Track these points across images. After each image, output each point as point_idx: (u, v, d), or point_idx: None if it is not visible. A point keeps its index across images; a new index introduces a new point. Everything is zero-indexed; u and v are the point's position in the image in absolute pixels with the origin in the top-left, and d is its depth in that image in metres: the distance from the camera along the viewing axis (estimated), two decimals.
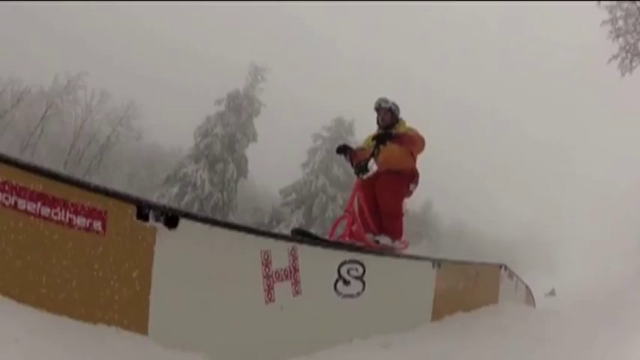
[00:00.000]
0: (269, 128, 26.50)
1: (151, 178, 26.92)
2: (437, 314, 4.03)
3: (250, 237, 2.63)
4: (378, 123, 4.45)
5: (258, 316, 2.58)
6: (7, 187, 2.15)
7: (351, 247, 3.51)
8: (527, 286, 6.66)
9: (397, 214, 4.31)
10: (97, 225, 2.27)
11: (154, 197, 25.40)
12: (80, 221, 2.25)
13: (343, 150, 4.50)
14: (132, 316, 2.33)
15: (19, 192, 2.17)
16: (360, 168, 4.25)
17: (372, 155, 4.27)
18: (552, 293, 16.24)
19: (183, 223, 2.32)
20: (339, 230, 4.29)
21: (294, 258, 2.84)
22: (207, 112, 26.44)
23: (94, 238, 2.26)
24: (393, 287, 3.50)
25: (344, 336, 2.90)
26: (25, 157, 25.22)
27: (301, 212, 27.39)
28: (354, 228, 4.06)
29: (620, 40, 12.84)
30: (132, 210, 2.31)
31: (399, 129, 4.30)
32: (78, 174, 25.07)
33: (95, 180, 25.28)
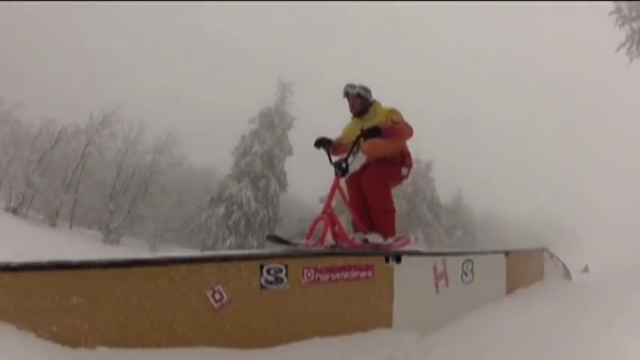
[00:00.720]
0: (302, 140, 26.89)
1: (195, 201, 27.22)
2: (508, 290, 5.40)
3: (427, 258, 4.45)
4: (350, 110, 4.18)
5: (432, 300, 4.28)
6: (319, 270, 3.51)
7: (467, 252, 5.08)
8: (564, 264, 7.80)
9: (386, 209, 4.01)
10: (370, 273, 3.81)
11: (202, 219, 25.75)
12: (363, 274, 3.77)
13: (321, 143, 4.17)
14: (387, 318, 3.88)
15: (329, 270, 3.57)
16: (340, 168, 3.89)
17: (351, 153, 3.93)
18: (586, 270, 17.25)
19: (403, 259, 4.01)
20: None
21: (445, 265, 4.47)
22: (241, 132, 26.83)
23: (367, 280, 3.80)
24: (487, 274, 5.01)
25: (468, 306, 4.49)
26: (70, 195, 25.45)
27: (345, 217, 27.73)
28: (336, 229, 3.80)
29: (627, 27, 13.46)
30: (382, 259, 3.91)
31: (375, 113, 4.03)
32: (124, 205, 25.35)
33: (144, 209, 25.54)
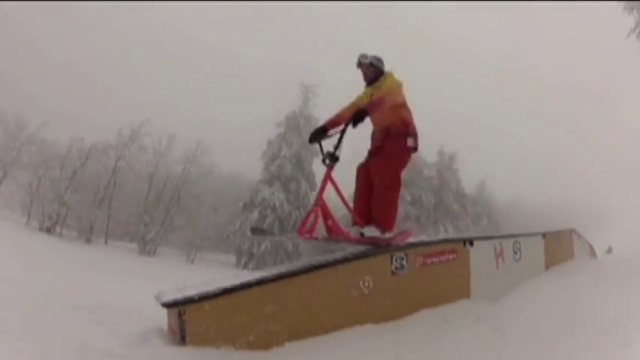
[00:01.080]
0: (326, 141, 27.07)
1: (228, 208, 27.36)
2: (547, 266, 6.17)
3: (489, 241, 5.23)
4: (364, 79, 4.23)
5: (494, 275, 5.07)
6: (425, 255, 4.41)
7: (516, 235, 5.79)
8: (590, 244, 8.50)
9: (391, 185, 3.94)
10: (455, 256, 4.65)
11: (236, 225, 25.91)
12: (447, 258, 4.58)
13: (315, 138, 4.13)
14: (467, 290, 4.70)
15: (431, 256, 4.49)
16: (330, 156, 3.78)
17: (340, 140, 3.81)
18: (609, 251, 17.69)
19: (476, 243, 4.86)
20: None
21: (501, 246, 5.25)
22: (265, 138, 26.98)
23: (452, 262, 4.65)
24: (530, 253, 5.77)
25: (519, 279, 5.24)
26: (103, 211, 25.58)
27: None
28: (329, 222, 3.75)
29: (635, 13, 13.44)
30: (461, 244, 4.78)
31: (384, 82, 4.08)
32: (158, 216, 25.47)
33: (179, 218, 25.67)
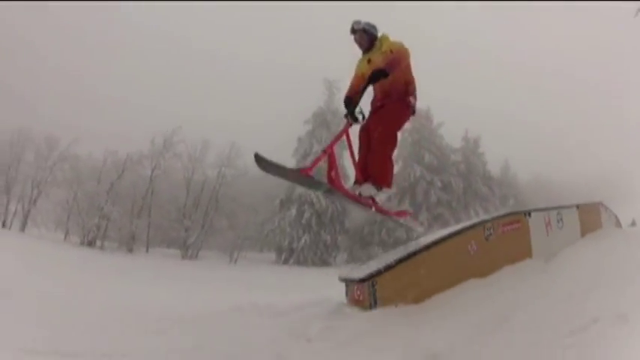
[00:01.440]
0: (354, 133, 27.43)
1: (266, 207, 27.67)
2: (582, 234, 7.17)
3: (541, 212, 6.33)
4: (359, 47, 4.28)
5: (545, 240, 6.11)
6: (503, 224, 5.77)
7: (558, 207, 6.93)
8: (616, 216, 9.41)
9: (387, 140, 4.03)
10: (520, 225, 5.86)
11: (275, 222, 26.23)
12: (515, 226, 5.81)
13: (348, 106, 4.23)
14: (529, 252, 5.82)
15: (507, 224, 5.78)
16: (351, 114, 4.09)
17: (359, 99, 4.14)
18: (633, 224, 18.07)
19: (532, 214, 6.07)
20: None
21: (549, 216, 6.36)
22: (295, 135, 27.30)
23: (518, 229, 5.86)
24: (569, 222, 6.86)
25: (562, 245, 6.18)
26: (143, 220, 25.89)
27: (407, 202, 28.22)
28: (332, 174, 3.86)
29: None
30: (523, 215, 5.97)
31: (382, 45, 4.15)
32: (198, 218, 25.78)
33: (218, 221, 25.96)
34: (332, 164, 3.83)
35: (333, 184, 3.84)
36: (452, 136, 31.46)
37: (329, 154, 3.82)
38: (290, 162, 27.39)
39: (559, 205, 7.30)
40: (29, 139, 28.33)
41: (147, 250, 26.47)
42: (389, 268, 5.16)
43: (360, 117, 4.09)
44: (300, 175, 3.70)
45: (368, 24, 4.17)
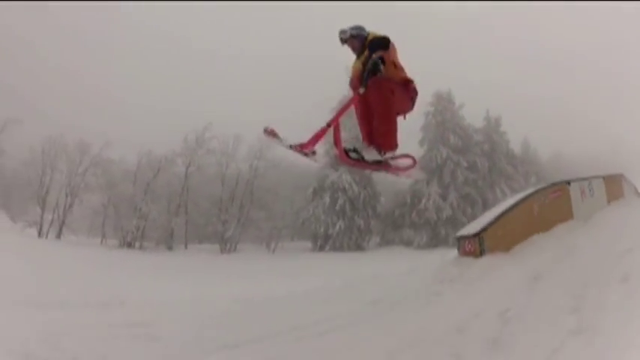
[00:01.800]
0: None
1: (299, 196, 28.15)
2: (608, 201, 8.46)
3: (577, 182, 8.37)
4: (354, 52, 4.13)
5: (582, 205, 7.97)
6: (551, 192, 8.26)
7: (589, 177, 8.68)
8: (635, 187, 10.74)
9: (388, 110, 3.86)
10: (561, 193, 8.08)
11: (310, 211, 26.69)
12: (560, 194, 8.11)
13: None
14: (570, 215, 7.87)
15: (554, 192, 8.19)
16: (361, 82, 3.81)
17: (366, 74, 3.84)
18: None
19: (571, 184, 8.26)
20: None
21: (583, 185, 8.20)
22: (320, 124, 27.64)
23: (562, 196, 8.12)
24: (597, 191, 8.29)
25: (593, 210, 7.82)
26: (180, 217, 26.34)
27: (435, 183, 28.64)
28: (340, 147, 3.78)
29: None
30: (565, 185, 8.22)
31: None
32: (234, 211, 26.24)
33: (254, 213, 26.37)
34: (337, 139, 3.66)
35: (344, 159, 3.74)
36: (470, 116, 32.01)
37: (334, 127, 3.61)
38: (320, 149, 27.85)
39: (589, 176, 8.92)
40: (61, 147, 28.81)
41: (185, 247, 26.97)
42: (489, 225, 7.79)
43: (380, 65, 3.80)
44: (302, 149, 3.55)
45: (353, 29, 4.07)
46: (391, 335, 4.50)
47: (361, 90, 3.77)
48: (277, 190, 27.04)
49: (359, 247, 27.33)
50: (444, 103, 29.98)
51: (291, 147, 3.55)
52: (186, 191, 26.32)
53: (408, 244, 27.97)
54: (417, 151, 29.90)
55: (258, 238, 27.18)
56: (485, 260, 7.24)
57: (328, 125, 3.67)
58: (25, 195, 30.81)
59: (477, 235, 7.57)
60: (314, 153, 3.63)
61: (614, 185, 9.13)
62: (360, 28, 4.08)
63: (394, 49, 4.00)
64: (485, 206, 30.99)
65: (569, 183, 8.12)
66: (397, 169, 4.04)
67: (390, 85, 3.84)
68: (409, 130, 30.91)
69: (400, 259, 19.41)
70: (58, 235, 28.55)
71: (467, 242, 7.91)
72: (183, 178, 26.32)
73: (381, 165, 3.91)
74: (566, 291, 3.75)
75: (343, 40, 4.06)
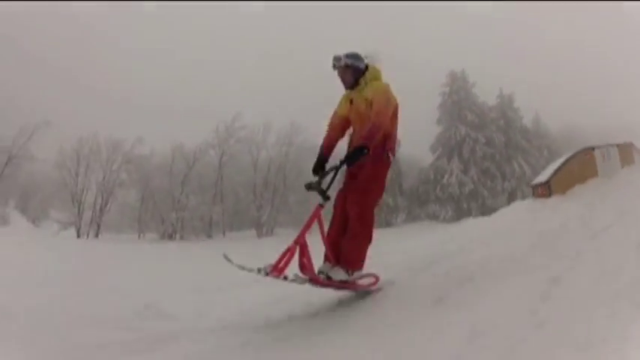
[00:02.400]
0: (404, 96, 29.16)
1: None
2: (622, 166, 10.41)
3: (599, 149, 10.82)
4: (343, 84, 3.77)
5: (603, 167, 10.42)
6: (584, 154, 11.16)
7: (606, 145, 11.12)
8: None
9: (365, 223, 3.56)
10: (590, 155, 10.74)
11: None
12: (589, 156, 10.84)
13: (316, 171, 3.74)
14: (596, 172, 10.28)
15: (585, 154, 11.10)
16: (323, 194, 3.56)
17: (333, 179, 3.64)
18: None
19: (595, 149, 10.90)
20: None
21: (602, 150, 10.74)
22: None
23: (591, 158, 10.69)
24: (613, 157, 10.46)
25: (611, 172, 10.04)
26: (217, 206, 27.38)
27: (456, 159, 29.80)
28: (304, 260, 3.44)
29: None
30: (591, 150, 10.91)
31: (366, 86, 3.64)
32: (268, 196, 27.30)
33: (289, 196, 27.47)
34: (303, 252, 3.40)
35: (306, 271, 3.42)
36: (483, 94, 33.30)
37: (300, 244, 3.38)
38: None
39: (606, 144, 11.12)
40: (95, 146, 29.76)
41: (223, 235, 28.04)
42: (552, 177, 10.57)
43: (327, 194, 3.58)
44: (271, 274, 3.23)
45: (350, 57, 3.66)
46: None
47: (322, 202, 3.51)
48: (309, 174, 28.01)
49: (388, 224, 28.55)
50: (458, 82, 31.23)
51: (259, 271, 3.19)
52: (221, 180, 27.43)
53: (433, 218, 29.24)
54: (435, 130, 31.21)
55: (293, 222, 28.31)
56: (553, 199, 10.29)
57: (295, 243, 3.36)
58: (59, 197, 31.43)
59: (547, 182, 10.92)
60: (285, 278, 3.24)
61: (626, 152, 11.40)
62: (356, 58, 3.67)
63: (390, 95, 3.63)
64: (504, 179, 32.37)
65: (593, 149, 10.79)
66: (360, 286, 3.69)
67: (372, 178, 3.56)
68: (426, 109, 32.10)
69: (440, 230, 20.50)
70: (96, 234, 29.52)
71: (540, 188, 11.37)
72: (218, 167, 27.41)
73: (346, 284, 3.59)
74: (613, 207, 5.32)
75: (335, 67, 3.67)
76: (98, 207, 29.84)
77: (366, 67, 3.71)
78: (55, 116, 31.52)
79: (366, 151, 3.36)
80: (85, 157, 29.96)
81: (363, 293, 3.72)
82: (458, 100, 31.06)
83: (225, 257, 3.38)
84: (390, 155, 3.66)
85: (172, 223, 27.01)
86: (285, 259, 3.26)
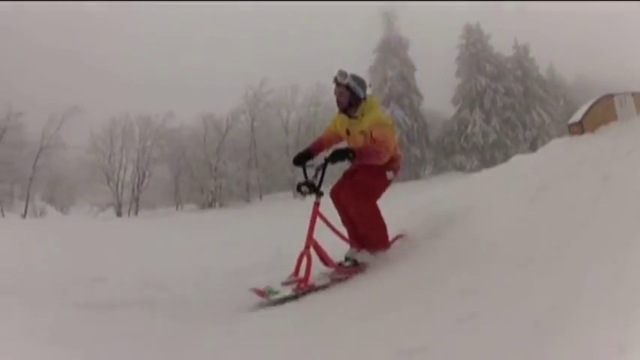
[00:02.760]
0: (420, 54, 29.90)
1: None
2: (637, 113, 10.89)
3: (617, 95, 10.26)
4: (337, 103, 3.69)
5: (621, 112, 10.14)
6: (606, 97, 10.39)
7: (623, 93, 11.08)
8: None
9: (374, 224, 3.58)
10: (611, 101, 10.04)
11: None
12: (611, 101, 10.27)
13: (298, 162, 3.77)
14: (615, 116, 9.78)
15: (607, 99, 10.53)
16: (315, 191, 3.58)
17: (322, 175, 3.63)
18: None
19: (615, 96, 10.32)
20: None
21: (620, 98, 10.43)
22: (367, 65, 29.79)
23: (612, 103, 10.02)
24: (629, 105, 10.46)
25: (629, 116, 9.75)
26: (252, 170, 28.24)
27: (477, 110, 30.54)
28: (324, 257, 3.56)
29: None
30: (612, 96, 10.07)
31: (363, 116, 3.58)
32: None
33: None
34: (319, 252, 3.52)
35: (329, 264, 3.57)
36: (497, 46, 33.98)
37: (313, 246, 3.45)
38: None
39: (622, 92, 11.66)
40: (127, 125, 30.63)
41: (260, 198, 29.01)
42: (583, 117, 10.84)
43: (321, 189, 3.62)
44: (298, 289, 3.27)
45: (355, 80, 3.59)
46: None
47: (315, 198, 3.54)
48: None
49: (417, 176, 29.49)
50: (474, 34, 31.86)
51: (293, 297, 3.20)
52: (254, 145, 28.35)
53: (459, 168, 30.08)
54: (455, 82, 32.02)
55: (326, 180, 29.21)
56: (585, 136, 10.90)
57: (307, 247, 3.40)
58: (94, 180, 32.03)
59: (580, 122, 11.68)
60: (316, 289, 3.29)
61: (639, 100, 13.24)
62: (360, 84, 3.60)
63: (388, 128, 3.59)
64: (525, 128, 33.13)
65: (612, 95, 11.42)
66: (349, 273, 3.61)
67: (368, 182, 3.56)
68: (445, 63, 32.70)
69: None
70: (136, 212, 30.45)
71: (574, 126, 12.49)
72: (250, 132, 28.32)
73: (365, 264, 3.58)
74: (632, 141, 5.57)
75: (337, 83, 3.59)
76: (134, 185, 30.76)
77: (365, 97, 3.61)
78: (82, 102, 32.18)
79: (351, 155, 3.38)
80: (117, 137, 30.89)
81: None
82: (475, 53, 31.74)
83: (251, 290, 3.27)
84: (390, 173, 3.64)
85: (212, 191, 27.97)
86: (306, 269, 3.31)
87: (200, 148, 28.66)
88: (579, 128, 12.95)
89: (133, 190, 30.52)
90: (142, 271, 4.72)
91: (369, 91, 3.65)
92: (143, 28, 59.05)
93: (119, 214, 30.16)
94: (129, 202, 30.60)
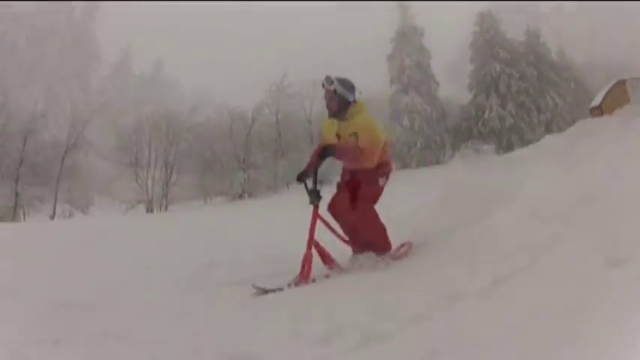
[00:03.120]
0: (434, 38, 30.78)
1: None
2: None
3: (629, 80, 14.85)
4: (327, 107, 3.84)
5: (633, 95, 14.46)
6: (620, 83, 15.36)
7: (633, 78, 15.85)
8: None
9: (375, 228, 3.70)
10: (625, 86, 14.45)
11: (392, 133, 29.61)
12: (624, 86, 14.75)
13: (299, 180, 3.93)
14: (628, 100, 13.68)
15: (621, 84, 15.00)
16: (315, 195, 3.74)
17: (315, 177, 3.82)
18: None
19: (627, 80, 15.04)
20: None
21: (632, 83, 14.94)
22: (378, 55, 30.65)
23: (625, 88, 14.65)
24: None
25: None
26: (279, 161, 29.19)
27: (493, 95, 31.38)
28: (325, 258, 3.68)
29: None
30: (624, 81, 14.29)
31: (352, 120, 3.68)
32: None
33: None
34: (322, 252, 3.65)
35: (332, 264, 3.67)
36: (509, 32, 34.73)
37: (314, 246, 3.59)
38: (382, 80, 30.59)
39: (633, 78, 13.50)
40: (153, 121, 31.59)
41: (287, 187, 30.00)
42: (602, 101, 14.53)
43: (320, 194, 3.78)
44: (303, 283, 3.44)
45: (342, 84, 3.69)
46: None
47: (316, 202, 3.67)
48: None
49: (438, 161, 30.41)
50: (487, 21, 32.64)
51: (289, 286, 3.36)
52: (279, 136, 29.34)
53: (479, 152, 30.93)
54: (468, 68, 32.80)
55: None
56: (604, 118, 11.93)
57: (309, 248, 3.55)
58: (122, 178, 32.78)
59: (599, 106, 14.05)
60: (314, 280, 3.45)
61: None
62: (348, 88, 3.70)
63: (377, 134, 3.70)
64: (540, 112, 33.92)
65: (624, 80, 13.51)
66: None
67: (362, 191, 3.67)
68: (459, 49, 33.38)
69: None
70: (166, 207, 31.37)
71: (595, 110, 14.60)
72: (275, 124, 29.30)
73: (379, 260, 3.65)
74: None
75: (324, 87, 3.75)
76: (164, 181, 31.62)
77: (354, 100, 3.71)
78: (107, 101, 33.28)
79: (331, 151, 3.64)
80: (145, 133, 31.79)
81: None
82: (489, 39, 32.54)
83: (254, 287, 3.38)
84: (382, 180, 3.76)
85: (241, 182, 28.94)
86: (307, 266, 3.49)
87: (228, 140, 29.64)
88: (599, 111, 14.68)
89: (162, 186, 31.41)
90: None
91: (357, 95, 3.76)
92: (164, 22, 59.56)
93: (150, 210, 31.10)
94: (158, 198, 31.53)
